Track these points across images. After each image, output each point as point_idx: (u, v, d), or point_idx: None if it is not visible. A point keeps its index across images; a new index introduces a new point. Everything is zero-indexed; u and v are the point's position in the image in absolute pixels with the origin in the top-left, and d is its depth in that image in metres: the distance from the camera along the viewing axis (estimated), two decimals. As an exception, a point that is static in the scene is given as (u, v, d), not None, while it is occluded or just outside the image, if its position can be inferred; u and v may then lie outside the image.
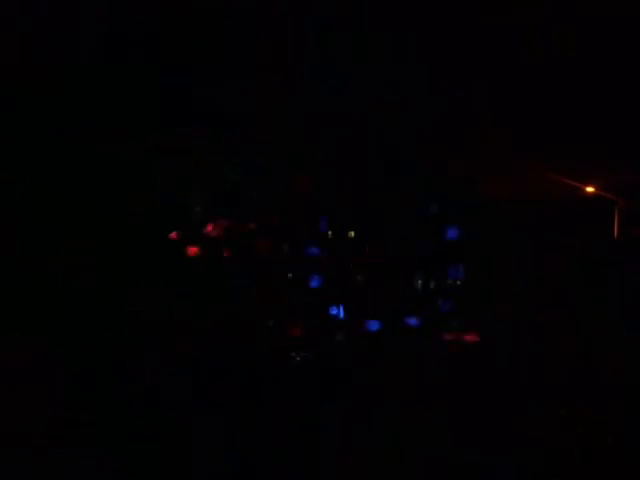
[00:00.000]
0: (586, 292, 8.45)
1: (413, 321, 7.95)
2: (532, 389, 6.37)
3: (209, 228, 7.64)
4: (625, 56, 6.53)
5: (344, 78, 7.12)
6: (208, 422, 5.84)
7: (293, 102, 7.49)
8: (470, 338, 7.75)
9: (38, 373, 5.92)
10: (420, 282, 8.54)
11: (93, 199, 6.70)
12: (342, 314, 8.05)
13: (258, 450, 5.58)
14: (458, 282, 8.67)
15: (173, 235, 7.49)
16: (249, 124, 7.58)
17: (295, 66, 6.92)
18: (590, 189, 11.31)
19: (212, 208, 7.72)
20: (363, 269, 8.20)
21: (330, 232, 8.35)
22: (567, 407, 6.01)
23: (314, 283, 7.98)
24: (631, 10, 5.66)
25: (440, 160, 8.68)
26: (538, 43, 6.29)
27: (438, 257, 8.69)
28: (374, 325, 7.83)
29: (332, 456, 5.54)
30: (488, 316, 8.16)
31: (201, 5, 6.05)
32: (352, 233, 8.50)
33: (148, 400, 6.08)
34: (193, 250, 7.53)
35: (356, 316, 8.00)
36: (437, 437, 5.61)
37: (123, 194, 6.89)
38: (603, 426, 5.80)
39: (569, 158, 9.70)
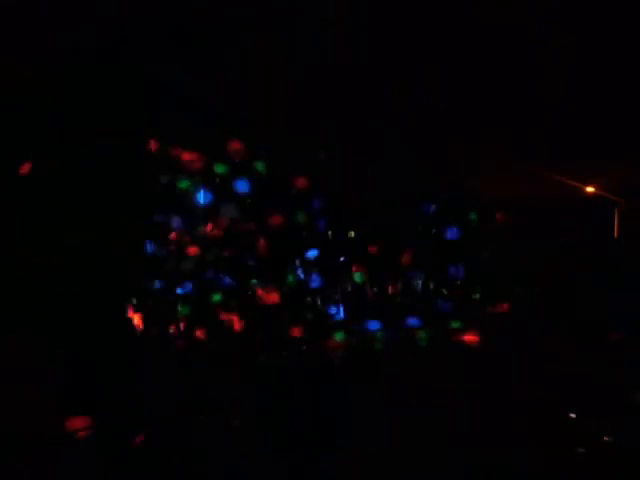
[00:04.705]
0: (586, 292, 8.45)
1: (413, 321, 7.95)
2: (532, 390, 6.37)
3: (209, 227, 7.64)
4: (626, 56, 6.54)
5: (344, 79, 7.13)
6: (208, 422, 5.84)
7: (293, 102, 7.49)
8: (470, 338, 7.75)
9: (38, 373, 5.92)
10: (420, 282, 8.54)
11: (93, 198, 6.70)
12: (342, 314, 8.05)
13: (259, 450, 5.58)
14: (458, 282, 8.66)
15: (172, 235, 7.49)
16: (249, 124, 7.58)
17: (295, 66, 6.93)
18: (590, 189, 11.32)
19: (211, 208, 7.73)
20: (363, 269, 8.20)
21: (330, 232, 8.35)
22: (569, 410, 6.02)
23: (314, 283, 7.98)
24: (632, 10, 5.66)
25: (440, 160, 8.68)
26: (538, 43, 6.29)
27: (438, 257, 8.69)
28: (374, 325, 7.83)
29: (332, 456, 5.54)
30: (488, 316, 8.16)
31: (201, 5, 6.05)
32: (352, 233, 8.49)
33: (149, 400, 6.08)
34: (193, 250, 7.53)
35: (356, 316, 8.00)
36: (438, 438, 5.61)
37: (123, 194, 6.89)
38: (603, 427, 5.80)
39: (569, 158, 9.71)
